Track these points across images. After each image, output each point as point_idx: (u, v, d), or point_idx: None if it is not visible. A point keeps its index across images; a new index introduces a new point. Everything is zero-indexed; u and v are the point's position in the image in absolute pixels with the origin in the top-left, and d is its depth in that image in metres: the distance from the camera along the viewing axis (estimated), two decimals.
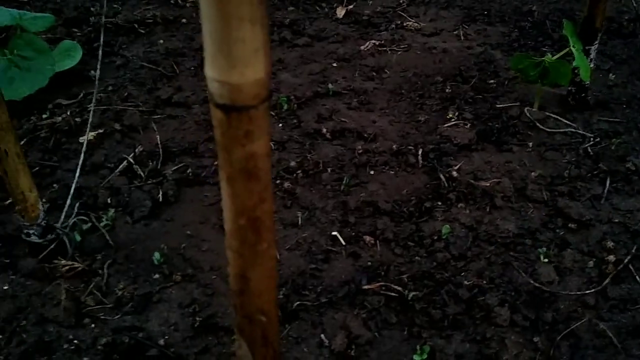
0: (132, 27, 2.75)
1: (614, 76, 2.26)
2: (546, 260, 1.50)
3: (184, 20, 2.84)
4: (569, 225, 1.59)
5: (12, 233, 1.71)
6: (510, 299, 1.42)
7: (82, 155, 1.81)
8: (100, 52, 1.81)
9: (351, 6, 2.94)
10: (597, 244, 1.55)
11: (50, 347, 1.36)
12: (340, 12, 2.86)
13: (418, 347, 1.34)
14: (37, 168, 1.91)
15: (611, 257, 1.49)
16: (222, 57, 0.58)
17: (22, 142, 1.98)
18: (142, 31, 2.73)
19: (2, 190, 1.83)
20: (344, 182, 1.77)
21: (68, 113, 2.12)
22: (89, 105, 2.20)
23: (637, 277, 1.47)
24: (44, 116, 2.13)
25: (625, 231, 1.58)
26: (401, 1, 2.97)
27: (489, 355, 1.33)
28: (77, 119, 2.09)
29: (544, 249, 1.52)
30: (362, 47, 2.56)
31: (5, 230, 1.72)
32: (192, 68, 2.47)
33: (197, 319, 1.41)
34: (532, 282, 1.45)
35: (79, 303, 1.47)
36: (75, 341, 1.37)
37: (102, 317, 1.44)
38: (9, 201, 1.81)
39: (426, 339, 1.37)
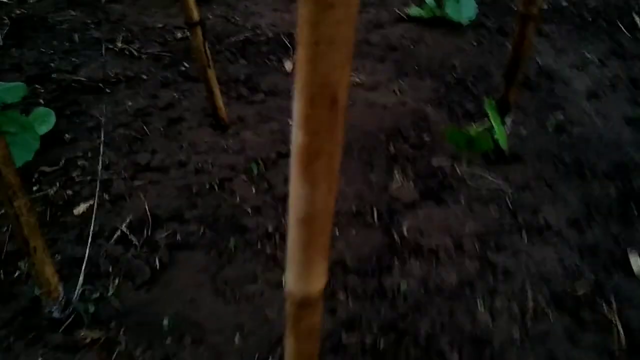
0: (97, 86, 2.95)
1: (525, 130, 2.73)
2: (482, 306, 1.92)
3: (144, 77, 3.07)
4: (497, 275, 2.02)
5: (26, 305, 1.94)
6: (457, 342, 1.82)
7: (91, 228, 2.06)
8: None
9: None
10: (519, 289, 1.98)
11: None
12: (288, 66, 3.18)
13: None
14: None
15: (531, 301, 1.93)
16: (302, 281, 0.91)
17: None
18: (108, 90, 2.93)
19: (8, 264, 2.05)
20: None
21: (57, 185, 2.33)
22: (73, 174, 2.42)
23: (550, 316, 1.91)
24: (34, 189, 2.32)
25: (539, 278, 2.02)
26: None
27: None
28: (69, 192, 2.31)
29: (480, 296, 1.94)
30: None
31: (20, 304, 1.94)
32: (161, 129, 2.71)
33: None
34: (472, 326, 1.87)
35: None
36: None
37: None
38: (17, 274, 2.03)
39: None
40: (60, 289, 1.85)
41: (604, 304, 1.95)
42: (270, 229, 2.18)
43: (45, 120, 2.61)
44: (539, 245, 2.14)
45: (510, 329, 1.87)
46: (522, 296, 1.97)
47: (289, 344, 1.02)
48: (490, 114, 2.27)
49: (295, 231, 0.86)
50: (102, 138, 2.30)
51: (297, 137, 0.67)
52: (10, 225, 2.14)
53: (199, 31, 2.36)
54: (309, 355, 1.02)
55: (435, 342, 1.83)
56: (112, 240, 2.15)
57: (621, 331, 1.87)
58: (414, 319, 1.90)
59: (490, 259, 2.08)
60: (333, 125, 0.64)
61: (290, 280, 0.93)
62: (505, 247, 2.13)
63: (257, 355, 1.79)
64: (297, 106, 0.65)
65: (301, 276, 0.91)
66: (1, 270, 2.02)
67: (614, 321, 1.89)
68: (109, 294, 1.97)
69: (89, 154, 2.53)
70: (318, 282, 0.92)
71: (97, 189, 2.31)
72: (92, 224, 2.18)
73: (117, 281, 2.01)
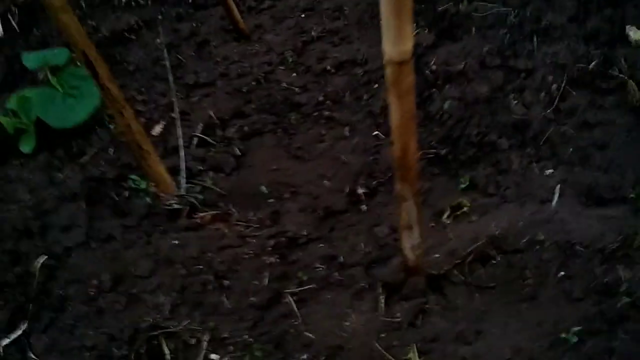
0: (122, 37, 3.23)
1: None
2: (515, 102, 2.27)
3: (159, 18, 3.34)
4: (521, 75, 2.35)
5: (146, 211, 2.29)
6: (504, 132, 2.18)
7: (182, 142, 2.40)
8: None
9: None
10: (542, 81, 2.32)
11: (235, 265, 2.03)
12: None
13: (461, 179, 2.10)
14: (134, 164, 2.48)
15: (554, 87, 2.27)
16: (397, 44, 1.24)
17: (112, 148, 2.53)
18: (133, 37, 3.21)
19: (116, 187, 2.40)
20: (363, 98, 2.46)
21: None
22: (137, 107, 2.75)
23: (573, 94, 2.26)
24: (111, 127, 2.66)
25: (556, 67, 2.35)
26: None
27: (503, 170, 2.10)
28: (141, 120, 2.64)
29: (511, 95, 2.29)
30: None
31: (141, 211, 2.29)
32: (193, 53, 3.01)
33: (320, 211, 2.10)
34: (512, 118, 2.22)
35: (237, 234, 2.12)
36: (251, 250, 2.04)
37: (256, 234, 2.10)
38: (127, 193, 2.39)
39: (463, 174, 2.12)
40: (174, 184, 2.21)
41: (614, 72, 2.28)
42: (320, 99, 2.51)
43: None
44: (549, 43, 2.46)
45: (544, 112, 2.23)
46: (546, 86, 2.30)
47: (392, 105, 1.37)
48: None
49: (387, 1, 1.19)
50: (167, 63, 2.59)
51: None
52: (115, 148, 2.49)
53: None
54: (410, 110, 1.37)
55: (486, 137, 2.19)
56: (193, 146, 2.49)
57: (635, 88, 2.22)
58: (463, 126, 2.25)
59: (511, 65, 2.40)
60: None
61: (388, 45, 1.27)
62: (521, 53, 2.45)
63: (347, 187, 2.16)
64: None
65: (395, 40, 1.24)
66: (113, 192, 2.39)
67: (627, 81, 2.23)
68: (208, 184, 2.33)
69: (142, 89, 2.84)
70: (408, 44, 1.26)
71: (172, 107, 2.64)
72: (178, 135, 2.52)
73: (210, 174, 2.37)
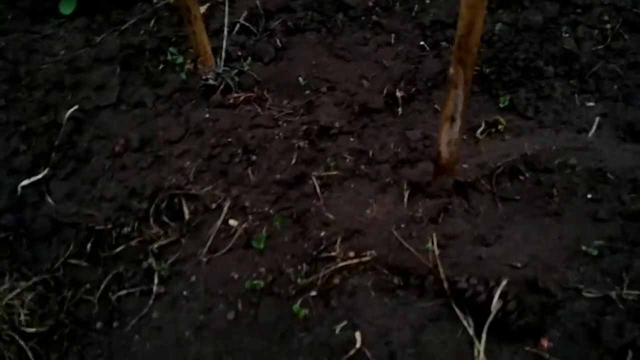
0: None
1: None
2: (567, 35, 2.24)
3: None
4: (577, 10, 2.31)
5: (181, 85, 2.28)
6: (552, 61, 2.16)
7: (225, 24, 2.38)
8: None
9: None
10: (597, 19, 2.28)
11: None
12: None
13: (501, 99, 2.09)
14: (173, 39, 2.46)
15: (608, 26, 2.23)
16: None
17: (153, 21, 2.51)
18: None
19: (152, 59, 2.39)
20: (414, 9, 2.42)
21: None
22: None
23: (625, 36, 2.22)
24: (154, 1, 2.62)
25: (613, 8, 2.31)
26: None
27: (544, 96, 2.09)
28: None
29: (564, 28, 2.25)
30: None
31: (175, 84, 2.28)
32: None
33: (355, 107, 2.10)
34: (562, 48, 2.19)
35: (270, 116, 2.11)
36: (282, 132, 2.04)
37: (288, 119, 2.10)
38: (161, 67, 2.37)
39: (504, 95, 2.11)
40: (213, 58, 2.20)
41: None
42: (370, 4, 2.47)
43: None
44: None
45: (594, 48, 2.20)
46: (600, 24, 2.27)
47: None
48: None
49: None
50: None
51: None
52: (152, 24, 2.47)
53: None
54: None
55: (532, 63, 2.16)
56: (235, 32, 2.46)
57: None
58: (510, 50, 2.22)
59: (568, 0, 2.36)
60: None
61: None
62: None
63: (385, 90, 2.15)
64: None
65: None
66: (149, 62, 2.37)
67: None
68: (246, 69, 2.31)
69: None
70: None
71: None
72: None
73: (248, 60, 2.34)
